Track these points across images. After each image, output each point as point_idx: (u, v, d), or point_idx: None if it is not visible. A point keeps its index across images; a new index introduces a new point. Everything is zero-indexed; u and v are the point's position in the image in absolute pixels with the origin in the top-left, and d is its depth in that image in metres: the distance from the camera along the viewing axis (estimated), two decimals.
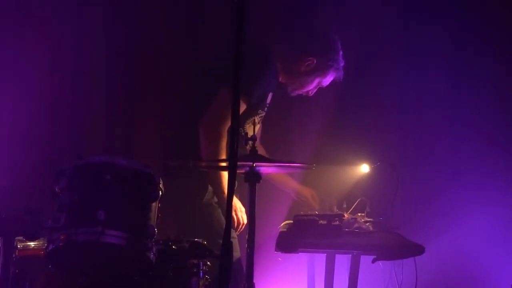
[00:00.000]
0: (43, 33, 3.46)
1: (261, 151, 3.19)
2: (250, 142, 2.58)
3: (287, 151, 3.44)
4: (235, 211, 2.97)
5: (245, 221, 2.94)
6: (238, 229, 2.99)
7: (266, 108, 3.20)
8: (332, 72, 3.17)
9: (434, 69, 3.78)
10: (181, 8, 3.62)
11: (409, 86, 3.80)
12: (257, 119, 3.09)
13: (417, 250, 2.74)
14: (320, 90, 3.28)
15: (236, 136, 1.83)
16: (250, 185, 2.54)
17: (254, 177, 2.54)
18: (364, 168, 3.43)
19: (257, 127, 3.16)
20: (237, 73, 1.83)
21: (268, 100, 3.19)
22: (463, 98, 3.79)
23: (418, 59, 3.80)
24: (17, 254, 2.40)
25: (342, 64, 3.18)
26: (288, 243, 2.63)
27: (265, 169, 2.65)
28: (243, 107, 2.90)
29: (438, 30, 3.77)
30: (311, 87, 3.21)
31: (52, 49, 3.45)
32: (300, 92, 3.23)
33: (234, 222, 2.96)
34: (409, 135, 3.80)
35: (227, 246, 1.82)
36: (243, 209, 2.98)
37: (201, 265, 2.46)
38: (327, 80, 3.21)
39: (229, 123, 2.88)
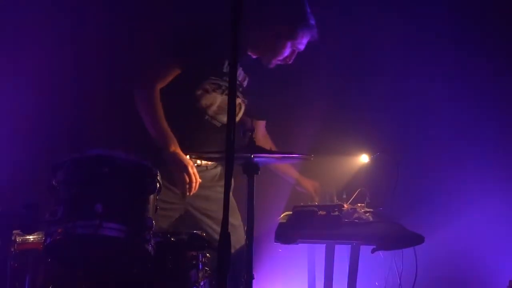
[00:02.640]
0: (41, 28, 3.45)
1: (266, 144, 3.18)
2: (249, 133, 2.57)
3: (286, 142, 3.43)
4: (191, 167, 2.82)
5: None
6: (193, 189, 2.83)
7: (225, 78, 2.98)
8: (301, 33, 2.99)
9: (435, 59, 3.76)
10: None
11: (410, 76, 3.78)
12: (220, 97, 2.97)
13: (417, 240, 2.73)
14: (320, 80, 3.25)
15: (233, 128, 1.82)
16: (248, 176, 2.53)
17: (252, 169, 2.53)
18: (363, 158, 3.42)
19: (239, 114, 3.09)
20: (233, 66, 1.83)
21: (240, 77, 3.06)
22: (465, 89, 3.78)
23: (419, 49, 3.77)
24: (16, 248, 2.40)
25: (311, 22, 3.01)
26: (288, 234, 2.63)
27: (263, 160, 2.63)
28: (173, 69, 2.87)
29: (442, 21, 3.74)
30: (286, 53, 3.02)
31: (48, 44, 3.44)
32: (278, 62, 3.06)
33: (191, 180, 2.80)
34: (409, 125, 3.79)
35: (225, 237, 1.81)
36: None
37: (200, 257, 2.46)
38: (301, 42, 3.01)
39: (160, 82, 2.89)
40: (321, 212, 2.73)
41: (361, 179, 3.39)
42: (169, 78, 2.94)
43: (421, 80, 3.77)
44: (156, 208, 2.31)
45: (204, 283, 2.48)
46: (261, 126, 3.30)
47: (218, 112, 3.02)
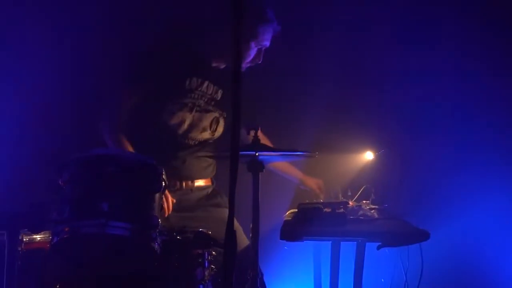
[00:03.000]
0: (45, 27, 3.46)
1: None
2: (253, 131, 2.57)
3: (290, 140, 3.43)
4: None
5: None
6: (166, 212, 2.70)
7: (191, 95, 2.97)
8: (262, 30, 2.93)
9: (441, 57, 3.74)
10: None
11: (415, 73, 3.77)
12: (189, 114, 2.97)
13: (422, 236, 2.72)
14: (323, 78, 3.25)
15: (237, 127, 1.83)
16: (253, 174, 2.54)
17: (257, 166, 2.53)
18: (368, 155, 3.42)
19: (218, 128, 3.07)
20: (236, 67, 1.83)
21: (210, 91, 3.03)
22: (471, 86, 3.76)
23: (425, 46, 3.76)
24: (23, 247, 2.41)
25: (269, 16, 2.94)
26: (293, 231, 2.63)
27: (268, 157, 2.64)
28: (132, 96, 2.88)
29: (449, 19, 3.73)
30: (253, 54, 2.96)
31: (51, 45, 3.45)
32: (247, 65, 3.00)
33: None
34: (413, 122, 3.77)
35: (231, 235, 1.82)
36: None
37: (206, 255, 2.47)
38: (264, 38, 2.95)
39: (122, 111, 2.88)
40: (326, 209, 2.74)
41: (366, 176, 3.39)
42: (130, 105, 2.92)
43: (426, 77, 3.76)
44: (162, 207, 2.32)
45: (210, 281, 2.49)
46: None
47: (190, 130, 3.00)
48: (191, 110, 2.99)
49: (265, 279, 2.86)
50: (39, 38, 3.40)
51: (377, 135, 3.53)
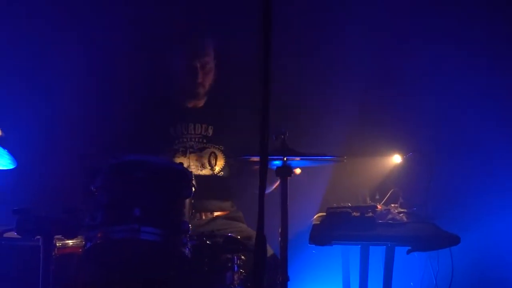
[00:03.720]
0: (79, 30, 3.53)
1: None
2: (281, 136, 2.58)
3: (318, 144, 3.43)
4: None
5: None
6: None
7: (179, 140, 3.12)
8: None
9: (472, 58, 3.70)
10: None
11: (443, 74, 3.73)
12: (184, 158, 3.06)
13: (453, 240, 2.70)
14: (351, 82, 3.23)
15: (266, 131, 1.84)
16: (281, 179, 2.55)
17: (285, 171, 2.54)
18: (396, 159, 3.40)
19: (218, 163, 3.14)
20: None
21: (198, 131, 3.14)
22: (499, 86, 3.71)
23: (453, 47, 3.72)
24: (56, 252, 2.46)
25: (191, 36, 3.11)
26: (322, 235, 2.63)
27: (297, 162, 2.64)
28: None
29: (477, 18, 3.69)
30: (185, 75, 3.10)
31: (80, 48, 3.51)
32: (200, 84, 3.12)
33: None
34: (442, 124, 3.74)
35: (261, 239, 1.83)
36: None
37: (236, 259, 2.48)
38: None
39: None
40: (355, 213, 2.73)
41: (394, 179, 3.36)
42: None
43: (455, 80, 3.72)
44: (192, 212, 2.34)
45: (239, 286, 2.50)
46: None
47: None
48: (184, 154, 3.09)
49: (293, 283, 2.86)
50: (73, 39, 3.48)
51: (405, 138, 3.51)
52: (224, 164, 3.17)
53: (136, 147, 3.06)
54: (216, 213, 3.12)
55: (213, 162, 3.14)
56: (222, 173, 3.16)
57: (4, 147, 2.39)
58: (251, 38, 3.16)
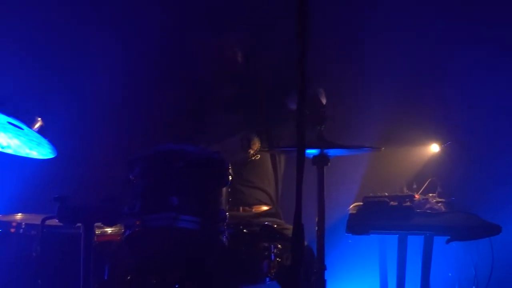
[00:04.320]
0: (114, 27, 3.59)
1: None
2: (318, 127, 2.56)
3: (355, 133, 3.40)
4: None
5: None
6: None
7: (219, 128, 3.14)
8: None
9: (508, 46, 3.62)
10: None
11: (481, 63, 3.66)
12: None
13: (493, 230, 2.65)
14: (390, 69, 3.18)
15: (303, 119, 1.83)
16: (318, 168, 2.54)
17: (322, 160, 2.53)
18: (434, 148, 3.36)
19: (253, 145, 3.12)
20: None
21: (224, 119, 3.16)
22: None
23: (491, 37, 3.64)
24: (95, 239, 2.50)
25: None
26: (359, 225, 2.62)
27: (334, 152, 2.63)
28: None
29: None
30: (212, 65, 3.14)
31: (119, 44, 3.57)
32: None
33: None
34: (480, 112, 3.67)
35: (299, 228, 1.83)
36: None
37: (272, 248, 2.48)
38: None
39: None
40: (392, 203, 2.71)
41: (431, 169, 3.32)
42: None
43: (497, 66, 3.63)
44: (229, 201, 2.35)
45: (276, 274, 2.50)
46: None
47: None
48: (218, 141, 3.08)
49: (330, 272, 2.85)
50: (110, 40, 3.53)
51: (443, 127, 3.45)
52: (259, 148, 3.13)
53: (171, 137, 3.08)
54: (255, 208, 3.07)
55: (245, 144, 3.10)
56: (258, 156, 3.13)
57: (44, 137, 2.43)
58: (285, 26, 3.16)
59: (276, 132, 3.11)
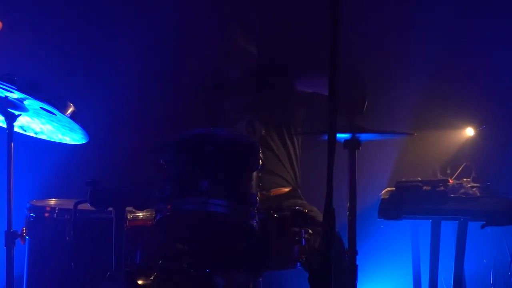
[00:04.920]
0: (143, 15, 3.62)
1: None
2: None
3: (388, 116, 3.36)
4: None
5: None
6: None
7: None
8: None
9: None
10: None
11: None
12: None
13: None
14: (423, 50, 3.12)
15: (335, 103, 1.81)
16: (349, 152, 2.51)
17: (353, 144, 2.50)
18: (469, 132, 3.30)
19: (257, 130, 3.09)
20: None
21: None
22: None
23: None
24: (127, 224, 2.52)
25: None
26: (391, 210, 2.59)
27: (365, 136, 2.59)
28: None
29: None
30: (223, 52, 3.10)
31: (145, 32, 3.61)
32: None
33: None
34: None
35: (329, 213, 1.81)
36: None
37: (303, 233, 2.47)
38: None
39: None
40: (425, 187, 2.66)
41: (466, 153, 3.26)
42: None
43: None
44: (259, 185, 2.34)
45: (307, 259, 2.49)
46: None
47: None
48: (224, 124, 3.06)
49: (362, 258, 2.83)
50: (133, 33, 3.56)
51: (478, 110, 3.38)
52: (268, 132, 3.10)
53: (191, 123, 3.07)
54: (273, 191, 3.05)
55: (250, 129, 3.07)
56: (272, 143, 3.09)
57: (76, 122, 2.46)
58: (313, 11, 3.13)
59: (287, 115, 3.08)
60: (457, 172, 3.06)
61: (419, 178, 2.93)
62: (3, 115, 2.45)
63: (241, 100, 3.12)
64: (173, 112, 3.35)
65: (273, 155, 3.08)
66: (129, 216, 2.60)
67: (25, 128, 2.67)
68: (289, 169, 3.11)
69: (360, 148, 2.51)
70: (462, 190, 2.76)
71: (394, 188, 2.78)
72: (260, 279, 2.46)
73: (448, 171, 3.08)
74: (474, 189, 2.82)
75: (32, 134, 2.71)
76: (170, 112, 3.43)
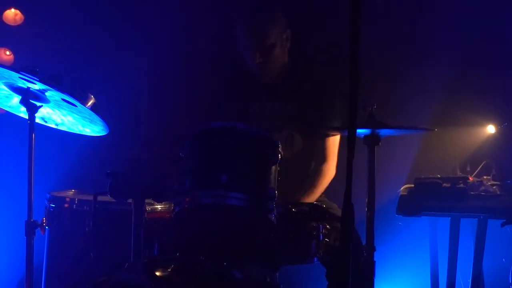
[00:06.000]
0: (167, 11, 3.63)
1: None
2: (369, 108, 2.51)
3: (408, 113, 3.33)
4: None
5: None
6: None
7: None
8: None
9: None
10: None
11: None
12: None
13: None
14: (442, 48, 3.11)
15: (355, 100, 1.80)
16: (369, 147, 2.50)
17: (373, 140, 2.49)
18: (490, 129, 3.26)
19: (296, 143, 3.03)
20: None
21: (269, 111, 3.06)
22: None
23: None
24: (145, 216, 2.54)
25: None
26: (410, 206, 2.57)
27: (385, 132, 2.58)
28: None
29: None
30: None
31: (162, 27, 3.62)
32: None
33: None
34: None
35: (348, 208, 1.81)
36: None
37: (321, 228, 2.46)
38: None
39: None
40: (445, 184, 2.64)
41: (486, 151, 3.23)
42: None
43: None
44: (278, 180, 2.34)
45: (324, 254, 2.48)
46: None
47: None
48: None
49: (379, 254, 2.82)
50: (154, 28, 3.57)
51: (499, 107, 3.34)
52: (303, 147, 3.03)
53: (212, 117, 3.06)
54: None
55: (288, 142, 3.01)
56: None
57: (97, 114, 2.47)
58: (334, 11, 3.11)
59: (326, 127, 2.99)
60: (477, 169, 3.03)
61: (438, 175, 2.91)
62: (25, 106, 2.48)
63: (276, 107, 3.05)
64: (194, 105, 3.35)
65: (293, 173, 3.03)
66: (148, 208, 2.61)
67: (46, 120, 2.69)
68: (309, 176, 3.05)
69: (380, 143, 2.50)
70: (482, 188, 2.73)
71: (413, 185, 2.76)
72: (277, 274, 2.46)
73: (468, 169, 3.06)
74: (495, 187, 2.80)
75: (53, 126, 2.73)
76: (190, 105, 3.44)
